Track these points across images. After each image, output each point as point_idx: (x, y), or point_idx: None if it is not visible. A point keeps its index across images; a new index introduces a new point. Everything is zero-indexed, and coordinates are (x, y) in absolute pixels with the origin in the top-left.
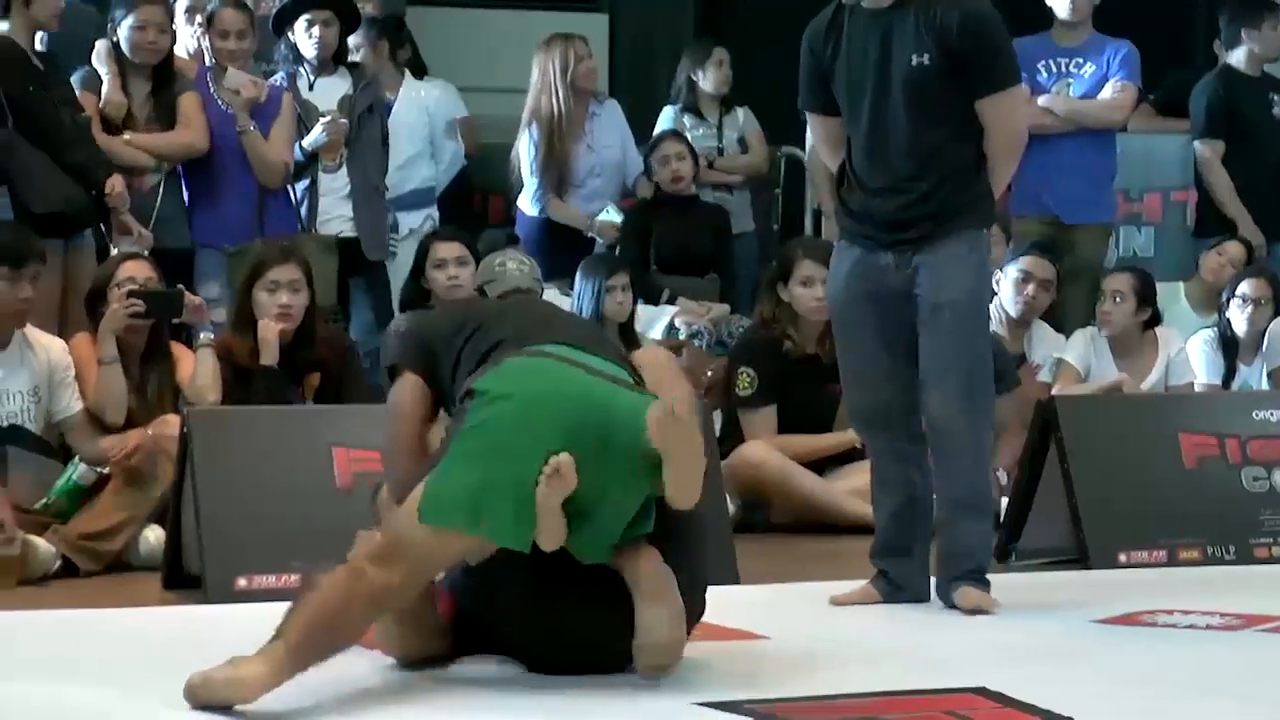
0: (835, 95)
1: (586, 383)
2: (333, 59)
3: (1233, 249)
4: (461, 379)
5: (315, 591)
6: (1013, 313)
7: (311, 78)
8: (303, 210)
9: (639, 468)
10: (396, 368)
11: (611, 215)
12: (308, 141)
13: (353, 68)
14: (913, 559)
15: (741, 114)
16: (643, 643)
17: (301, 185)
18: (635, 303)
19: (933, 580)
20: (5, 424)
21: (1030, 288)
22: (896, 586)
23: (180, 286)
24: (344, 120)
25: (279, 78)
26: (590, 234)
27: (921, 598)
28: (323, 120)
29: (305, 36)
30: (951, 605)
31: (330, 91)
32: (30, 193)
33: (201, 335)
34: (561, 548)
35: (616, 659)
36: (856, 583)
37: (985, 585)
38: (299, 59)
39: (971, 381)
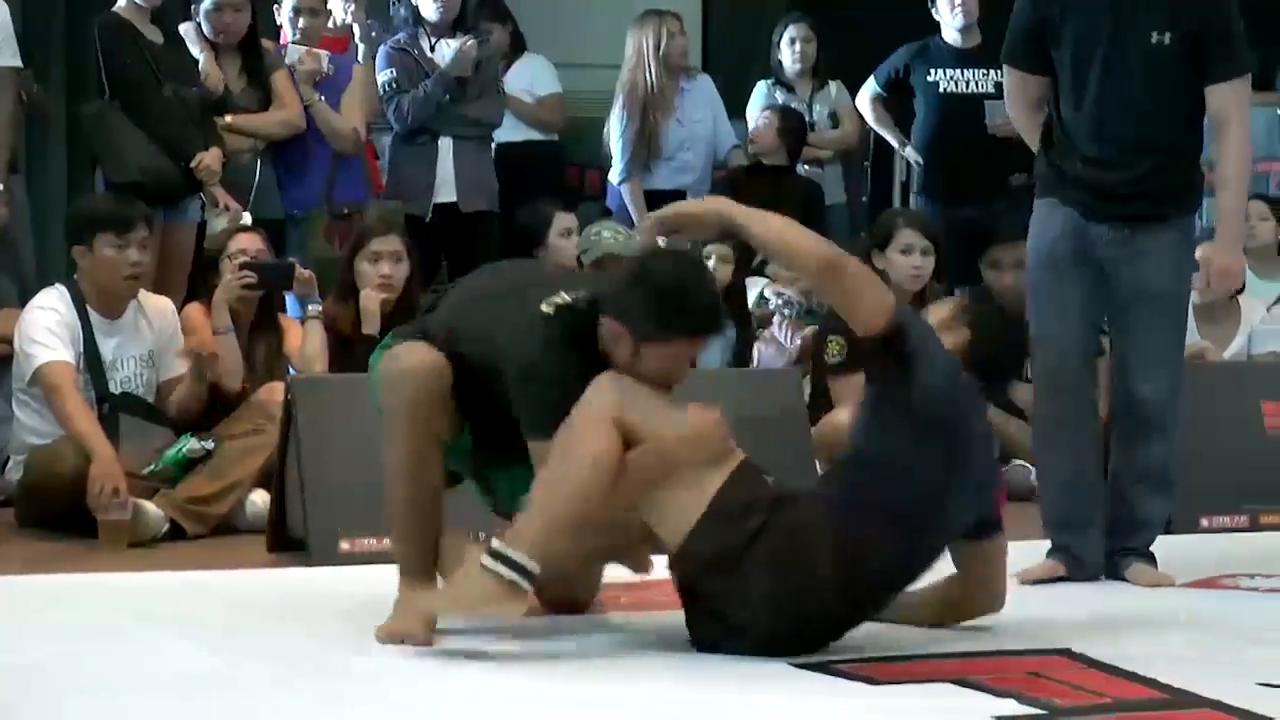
0: (1056, 58)
1: None
2: (452, 25)
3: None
4: None
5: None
6: None
7: (432, 40)
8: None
9: None
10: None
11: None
12: (447, 65)
13: (469, 31)
14: (1090, 531)
15: (834, 89)
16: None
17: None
18: (736, 272)
19: None
20: (118, 391)
21: None
22: (1078, 561)
23: (292, 260)
24: (473, 41)
25: (398, 38)
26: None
27: (1096, 575)
28: (455, 41)
29: (429, 0)
30: (1120, 578)
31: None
32: (109, 164)
33: (309, 308)
34: None
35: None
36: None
37: (1153, 560)
38: (419, 21)
39: (1178, 368)
